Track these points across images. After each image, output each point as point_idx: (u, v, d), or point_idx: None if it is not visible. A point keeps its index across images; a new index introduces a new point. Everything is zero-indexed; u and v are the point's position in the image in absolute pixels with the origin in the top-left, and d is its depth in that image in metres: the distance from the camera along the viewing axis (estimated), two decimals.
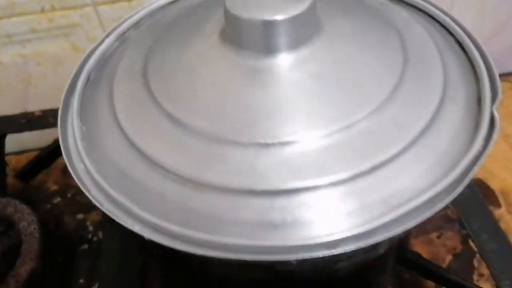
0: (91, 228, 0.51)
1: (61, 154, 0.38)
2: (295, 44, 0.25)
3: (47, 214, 0.52)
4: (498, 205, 0.53)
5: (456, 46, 0.28)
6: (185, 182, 0.22)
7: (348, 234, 0.20)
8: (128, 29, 0.33)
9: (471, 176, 0.21)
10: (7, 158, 0.48)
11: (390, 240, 0.25)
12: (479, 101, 0.25)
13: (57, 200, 0.53)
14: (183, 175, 0.23)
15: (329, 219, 0.21)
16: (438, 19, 0.30)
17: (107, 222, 0.38)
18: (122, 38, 0.32)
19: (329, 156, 0.22)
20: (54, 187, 0.55)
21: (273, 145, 0.22)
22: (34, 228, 0.39)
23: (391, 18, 0.29)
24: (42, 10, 0.48)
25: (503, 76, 0.65)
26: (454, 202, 0.39)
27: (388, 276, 0.30)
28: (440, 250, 0.48)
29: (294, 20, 0.24)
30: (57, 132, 0.26)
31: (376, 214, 0.21)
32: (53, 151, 0.39)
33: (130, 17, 0.33)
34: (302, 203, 0.21)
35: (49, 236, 0.46)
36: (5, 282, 0.37)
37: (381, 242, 0.23)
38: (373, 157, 0.22)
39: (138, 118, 0.25)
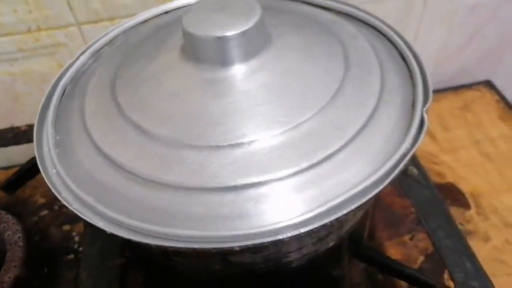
0: (77, 239, 0.52)
1: None
2: (247, 56, 0.28)
3: (34, 226, 0.54)
4: (468, 207, 0.55)
5: (399, 57, 0.31)
6: (146, 182, 0.25)
7: (286, 223, 0.22)
8: (103, 46, 0.36)
9: (399, 170, 0.24)
10: None
11: (339, 233, 0.27)
12: (413, 105, 0.27)
13: (44, 212, 0.55)
14: (144, 176, 0.25)
15: (272, 212, 0.23)
16: (383, 32, 0.32)
17: (87, 230, 0.40)
18: (97, 55, 0.35)
19: (274, 155, 0.25)
20: (41, 200, 0.57)
21: (223, 147, 0.25)
22: (19, 237, 0.41)
23: (339, 33, 0.32)
24: (29, 30, 0.50)
25: (472, 85, 0.69)
26: (415, 202, 0.41)
27: (343, 270, 0.32)
28: (412, 252, 0.50)
29: (243, 35, 0.27)
30: None
31: (314, 205, 0.23)
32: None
33: (105, 35, 0.36)
34: (248, 198, 0.24)
35: (34, 247, 0.48)
36: None
37: (330, 235, 0.25)
38: (312, 155, 0.24)
39: (106, 128, 0.28)
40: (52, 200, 0.56)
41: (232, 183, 0.24)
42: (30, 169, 0.41)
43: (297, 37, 0.30)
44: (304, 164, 0.24)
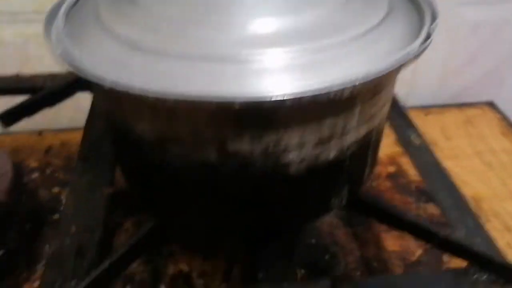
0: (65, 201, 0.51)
1: (47, 105, 0.40)
2: None
3: (23, 186, 0.52)
4: None
5: None
6: (150, 53, 0.25)
7: (287, 91, 0.22)
8: None
9: (402, 63, 0.24)
10: None
11: (341, 143, 0.27)
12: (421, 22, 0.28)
13: (35, 175, 0.54)
14: (149, 47, 0.25)
15: (274, 86, 0.23)
16: None
17: (78, 163, 0.39)
18: None
19: (279, 35, 0.25)
20: (34, 164, 0.56)
21: (229, 24, 0.25)
22: (7, 170, 0.40)
23: None
24: None
25: (474, 104, 0.69)
26: (418, 166, 0.40)
27: (341, 202, 0.31)
28: (410, 244, 0.48)
29: None
30: None
31: (314, 84, 0.22)
32: (40, 99, 0.41)
33: None
34: (251, 71, 0.23)
35: (20, 204, 0.47)
36: None
37: (331, 140, 0.25)
38: (317, 40, 0.24)
39: (117, 10, 0.28)
40: (45, 165, 0.55)
41: (237, 55, 0.24)
42: (32, 105, 0.41)
43: None
44: (309, 46, 0.24)
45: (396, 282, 0.31)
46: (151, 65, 0.24)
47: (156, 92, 0.22)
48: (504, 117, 0.66)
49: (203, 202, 0.29)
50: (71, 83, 0.42)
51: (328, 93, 0.22)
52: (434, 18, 0.28)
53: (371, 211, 0.34)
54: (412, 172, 0.55)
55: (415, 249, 0.48)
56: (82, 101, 0.43)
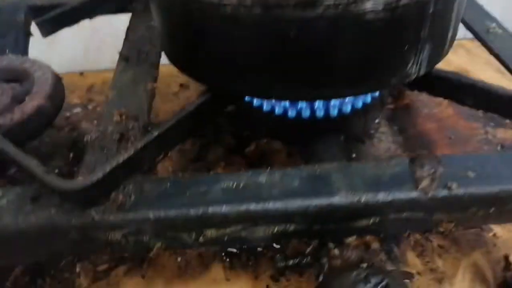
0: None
1: (87, 15, 0.38)
2: None
3: (65, 120, 0.51)
4: None
5: None
6: None
7: None
8: None
9: None
10: None
11: None
12: None
13: (77, 110, 0.52)
14: None
15: None
16: None
17: (121, 59, 0.37)
18: None
19: None
20: (76, 101, 0.54)
21: None
22: (48, 77, 0.38)
23: None
24: None
25: None
26: None
27: (419, 55, 0.26)
28: None
29: None
30: None
31: None
32: (79, 8, 0.39)
33: None
34: None
35: (64, 137, 0.45)
36: (12, 112, 0.35)
37: None
38: None
39: None
40: (87, 102, 0.54)
41: None
42: (71, 13, 0.39)
43: None
44: None
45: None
46: None
47: None
48: None
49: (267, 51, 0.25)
50: None
51: None
52: None
53: (450, 89, 0.29)
54: None
55: None
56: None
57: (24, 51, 0.42)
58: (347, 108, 0.32)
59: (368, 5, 0.23)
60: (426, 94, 0.35)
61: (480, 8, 0.40)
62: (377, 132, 0.44)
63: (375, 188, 0.25)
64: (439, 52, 0.28)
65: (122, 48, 0.38)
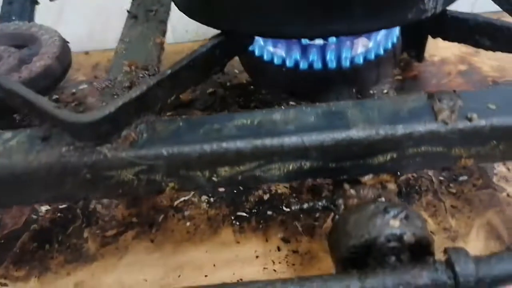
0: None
1: None
2: None
3: (71, 95, 0.50)
4: None
5: None
6: None
7: None
8: None
9: None
10: None
11: None
12: None
13: (83, 86, 0.52)
14: None
15: None
16: None
17: (130, 17, 0.36)
18: None
19: None
20: (82, 78, 0.54)
21: None
22: (55, 39, 0.38)
23: None
24: None
25: None
26: None
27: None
28: None
29: None
30: None
31: None
32: None
33: None
34: None
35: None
36: (19, 71, 0.35)
37: None
38: None
39: None
40: (92, 78, 0.54)
41: None
42: None
43: None
44: None
45: None
46: None
47: None
48: None
49: None
50: None
51: None
52: None
53: (466, 31, 0.29)
54: (486, 69, 0.50)
55: None
56: None
57: (31, 18, 0.42)
58: (360, 60, 0.32)
59: None
60: (441, 40, 0.33)
61: None
62: None
63: (393, 120, 0.24)
64: None
65: (131, 7, 0.37)
